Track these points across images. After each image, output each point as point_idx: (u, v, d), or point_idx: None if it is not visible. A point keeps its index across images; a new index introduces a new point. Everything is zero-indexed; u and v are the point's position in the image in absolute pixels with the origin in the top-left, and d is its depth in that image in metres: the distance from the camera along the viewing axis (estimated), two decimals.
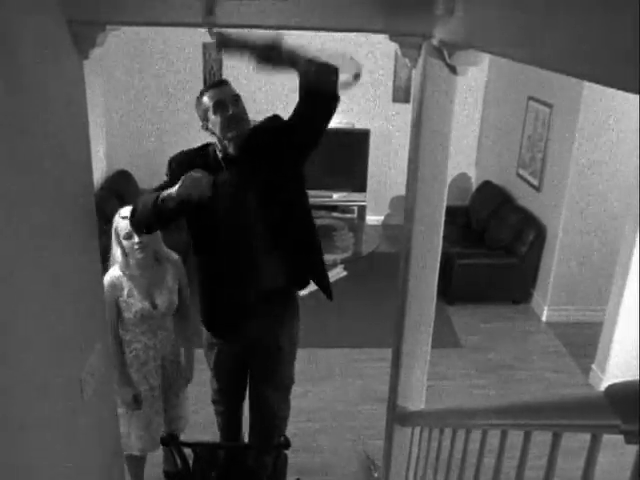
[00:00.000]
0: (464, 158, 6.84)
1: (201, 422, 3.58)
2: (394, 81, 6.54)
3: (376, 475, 3.21)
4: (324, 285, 2.63)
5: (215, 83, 2.39)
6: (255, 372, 2.78)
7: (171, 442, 2.44)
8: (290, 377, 2.79)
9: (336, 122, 6.60)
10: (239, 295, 2.50)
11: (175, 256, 2.65)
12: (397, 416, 2.64)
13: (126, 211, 2.44)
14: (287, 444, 2.46)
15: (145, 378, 2.61)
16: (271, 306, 2.56)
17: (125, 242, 2.45)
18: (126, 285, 2.48)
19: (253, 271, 2.46)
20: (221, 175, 2.31)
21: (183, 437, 2.87)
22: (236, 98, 2.30)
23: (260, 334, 2.60)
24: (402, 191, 2.50)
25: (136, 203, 2.31)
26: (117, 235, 2.46)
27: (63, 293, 1.59)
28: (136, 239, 2.43)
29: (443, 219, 2.31)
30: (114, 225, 2.46)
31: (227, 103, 2.27)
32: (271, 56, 1.95)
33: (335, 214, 6.29)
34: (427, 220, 2.29)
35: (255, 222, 2.40)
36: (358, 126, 6.57)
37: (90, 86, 1.87)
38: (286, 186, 2.42)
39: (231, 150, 2.36)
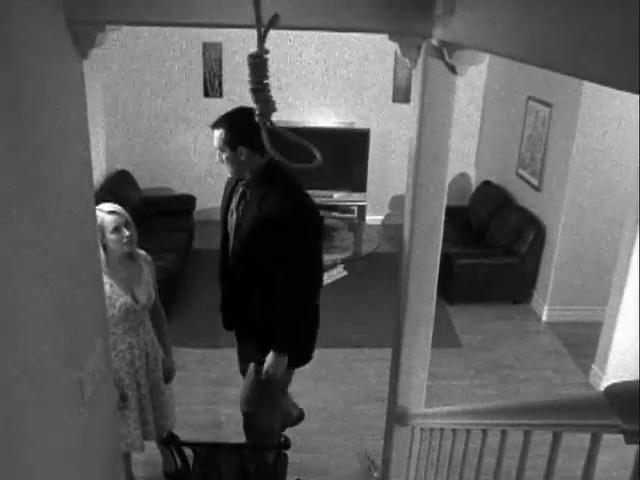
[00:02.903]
0: (464, 158, 6.85)
1: (201, 422, 3.58)
2: (394, 81, 6.54)
3: (376, 475, 3.21)
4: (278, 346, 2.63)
5: (212, 124, 2.51)
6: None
7: (171, 442, 2.45)
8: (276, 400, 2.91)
9: (336, 122, 6.62)
10: (232, 313, 2.75)
11: (144, 253, 2.73)
12: (397, 416, 2.64)
13: (109, 206, 2.51)
14: (287, 444, 2.46)
15: (134, 378, 2.63)
16: (255, 335, 2.71)
17: (112, 236, 2.47)
18: (108, 281, 2.50)
19: (233, 291, 2.69)
20: (236, 197, 2.60)
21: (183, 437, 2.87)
22: (222, 148, 2.44)
23: (250, 357, 2.79)
24: (402, 191, 2.50)
25: None
26: (101, 230, 2.45)
27: (63, 293, 1.59)
28: (126, 232, 2.49)
29: (443, 219, 2.31)
30: (97, 221, 2.45)
31: (217, 149, 2.46)
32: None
33: (335, 214, 6.29)
34: (427, 220, 2.29)
35: (238, 254, 2.60)
36: (358, 126, 6.57)
37: (90, 86, 1.88)
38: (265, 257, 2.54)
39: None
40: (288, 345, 2.62)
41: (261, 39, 1.29)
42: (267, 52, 1.31)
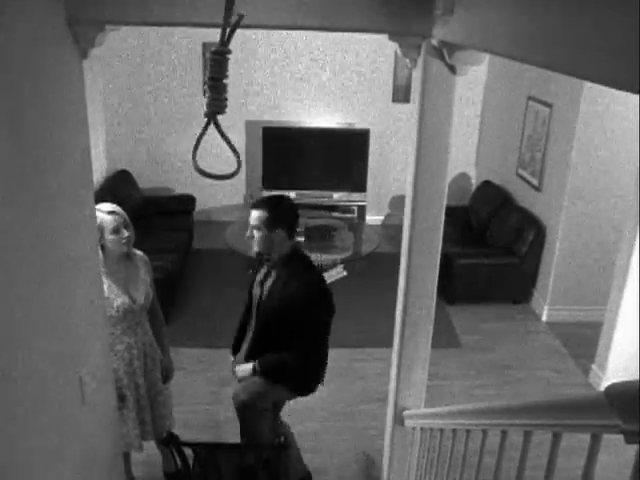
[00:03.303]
0: (464, 158, 6.85)
1: (201, 422, 3.59)
2: (394, 81, 6.54)
3: (376, 474, 3.21)
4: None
5: (253, 204, 2.62)
6: None
7: (171, 442, 2.45)
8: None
9: (336, 122, 6.62)
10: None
11: (141, 253, 2.74)
12: (397, 416, 2.64)
13: (108, 206, 2.50)
14: (286, 444, 2.46)
15: (133, 378, 2.63)
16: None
17: (111, 237, 2.47)
18: (105, 282, 2.49)
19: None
20: (261, 273, 2.73)
21: (183, 437, 2.87)
22: (259, 227, 2.54)
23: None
24: (402, 191, 2.51)
25: None
26: (100, 230, 2.44)
27: (63, 293, 1.59)
28: (125, 233, 2.49)
29: (443, 219, 2.31)
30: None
31: (250, 225, 2.57)
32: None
33: (335, 214, 6.29)
34: (427, 220, 2.29)
35: (258, 331, 2.71)
36: (358, 126, 6.57)
37: (90, 86, 1.88)
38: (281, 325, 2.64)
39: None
40: (272, 379, 2.71)
41: (224, 36, 1.28)
42: (230, 52, 1.31)
